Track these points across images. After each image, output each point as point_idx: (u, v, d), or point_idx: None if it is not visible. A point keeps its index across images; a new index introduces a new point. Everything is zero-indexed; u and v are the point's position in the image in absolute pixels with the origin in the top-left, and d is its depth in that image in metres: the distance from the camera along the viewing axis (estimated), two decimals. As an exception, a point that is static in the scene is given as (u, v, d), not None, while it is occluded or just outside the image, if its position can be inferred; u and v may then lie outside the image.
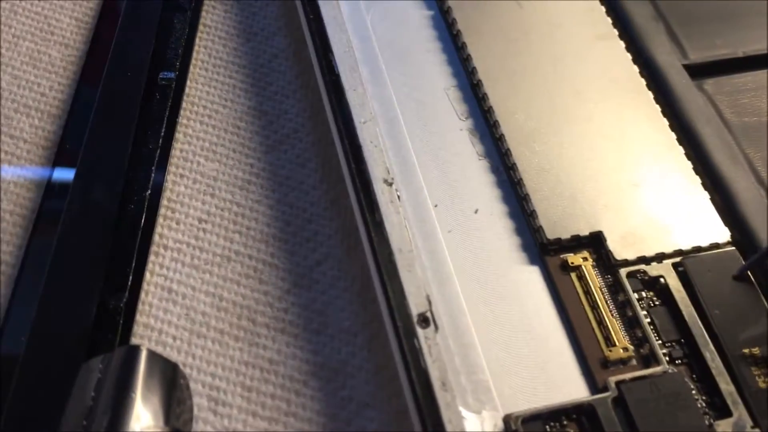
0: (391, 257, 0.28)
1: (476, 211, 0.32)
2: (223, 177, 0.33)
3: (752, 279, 0.30)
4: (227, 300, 0.30)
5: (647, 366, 0.29)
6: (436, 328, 0.27)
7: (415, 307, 0.27)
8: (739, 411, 0.27)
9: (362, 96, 0.33)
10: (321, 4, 0.35)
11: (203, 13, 0.38)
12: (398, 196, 0.30)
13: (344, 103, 0.32)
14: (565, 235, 0.31)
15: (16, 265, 0.30)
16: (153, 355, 0.25)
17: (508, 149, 0.33)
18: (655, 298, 0.30)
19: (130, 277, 0.29)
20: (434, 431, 0.25)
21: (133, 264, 0.29)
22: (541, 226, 0.31)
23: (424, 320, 0.27)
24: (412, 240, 0.30)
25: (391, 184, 0.30)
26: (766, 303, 0.30)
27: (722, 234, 0.31)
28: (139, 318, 0.29)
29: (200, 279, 0.30)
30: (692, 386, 0.28)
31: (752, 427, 0.27)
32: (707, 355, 0.28)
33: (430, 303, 0.28)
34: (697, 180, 0.33)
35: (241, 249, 0.31)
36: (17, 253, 0.30)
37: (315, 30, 0.35)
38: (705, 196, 0.32)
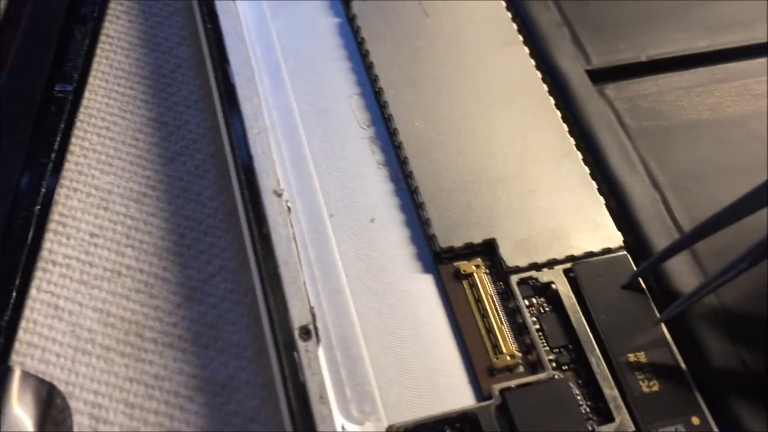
0: (275, 270, 0.28)
1: (372, 220, 0.32)
2: (118, 190, 0.33)
3: (642, 285, 0.30)
4: (115, 316, 0.30)
5: (534, 373, 0.29)
6: (318, 340, 0.27)
7: (298, 319, 0.27)
8: (622, 416, 0.28)
9: (257, 107, 0.32)
10: (220, 13, 0.35)
11: (106, 24, 0.38)
12: (289, 207, 0.30)
13: (238, 114, 0.32)
14: (459, 243, 0.31)
15: None
16: (26, 375, 0.25)
17: (406, 157, 0.33)
18: (545, 305, 0.30)
19: (14, 295, 0.28)
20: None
21: (17, 281, 0.29)
22: (434, 235, 0.31)
23: (306, 333, 0.27)
24: (304, 251, 0.30)
25: (280, 195, 0.30)
26: (655, 309, 0.30)
27: (616, 239, 0.32)
28: (23, 336, 0.29)
29: (88, 295, 0.30)
30: (577, 392, 0.28)
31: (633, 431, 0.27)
32: (593, 361, 0.29)
33: (314, 316, 0.28)
34: (594, 185, 0.33)
35: (133, 263, 0.31)
36: None
37: (213, 40, 0.34)
38: (601, 201, 0.33)
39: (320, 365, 0.26)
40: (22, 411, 0.24)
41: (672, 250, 0.30)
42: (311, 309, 0.28)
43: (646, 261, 0.30)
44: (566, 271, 0.31)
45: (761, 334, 0.29)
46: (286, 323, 0.27)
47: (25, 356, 0.28)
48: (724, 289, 0.29)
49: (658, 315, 0.30)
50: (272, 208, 0.30)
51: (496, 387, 0.28)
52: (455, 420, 0.27)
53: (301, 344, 0.27)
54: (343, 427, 0.26)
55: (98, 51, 0.37)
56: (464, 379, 0.29)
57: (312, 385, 0.26)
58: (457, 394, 0.28)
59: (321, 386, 0.26)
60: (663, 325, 0.29)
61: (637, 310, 0.30)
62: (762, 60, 0.39)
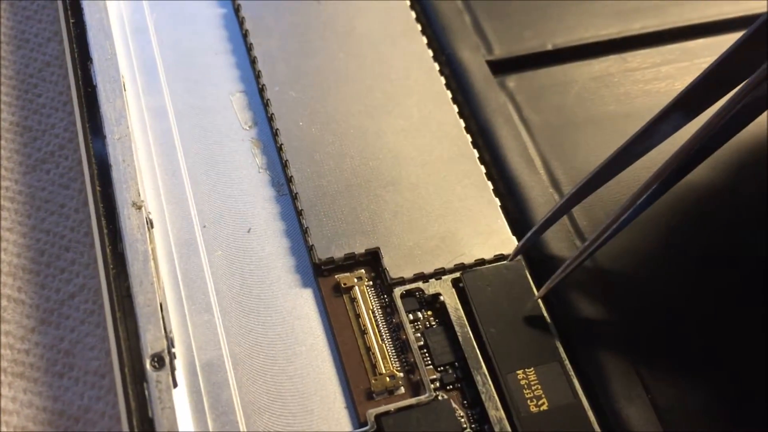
0: (128, 291, 0.26)
1: (249, 230, 0.30)
2: (-29, 203, 0.30)
3: (536, 294, 0.28)
4: (-41, 343, 0.27)
5: (416, 394, 0.27)
6: (173, 368, 0.25)
7: (150, 346, 0.25)
8: (508, 440, 0.26)
9: (120, 109, 0.30)
10: (85, 7, 0.32)
11: (-31, 19, 0.35)
12: (150, 221, 0.28)
13: (97, 119, 0.29)
14: (340, 253, 0.29)
15: None
16: None
17: (287, 160, 0.31)
18: (432, 319, 0.28)
19: None
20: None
21: None
22: (313, 245, 0.29)
23: (159, 361, 0.24)
24: (170, 267, 0.28)
25: (140, 208, 0.27)
26: (548, 318, 0.28)
27: (511, 245, 0.30)
28: None
29: (-71, 321, 0.27)
30: (462, 413, 0.26)
31: (522, 456, 0.25)
32: (478, 379, 0.27)
33: (170, 341, 0.25)
34: (490, 186, 0.31)
35: (-17, 285, 0.28)
36: None
37: (75, 36, 0.32)
38: (496, 203, 0.31)
39: (172, 397, 0.24)
40: None
41: (555, 216, 0.28)
42: (167, 334, 0.25)
43: (529, 231, 0.28)
44: (455, 282, 0.29)
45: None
46: (136, 351, 0.25)
47: None
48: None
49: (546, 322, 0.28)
50: (130, 222, 0.27)
51: (372, 412, 0.26)
52: (325, 451, 0.25)
53: (152, 374, 0.24)
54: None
55: (-43, 49, 0.34)
56: (341, 404, 0.27)
57: (162, 421, 0.24)
58: (332, 420, 0.26)
59: (172, 422, 0.24)
60: (543, 307, 0.28)
61: (528, 324, 0.28)
62: (675, 46, 0.37)
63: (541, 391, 0.26)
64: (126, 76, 0.32)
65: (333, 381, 0.27)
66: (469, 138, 0.32)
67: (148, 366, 0.24)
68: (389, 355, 0.27)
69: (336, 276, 0.29)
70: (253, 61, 0.34)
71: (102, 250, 0.27)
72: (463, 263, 0.29)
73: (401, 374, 0.27)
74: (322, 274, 0.29)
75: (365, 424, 0.26)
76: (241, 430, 0.25)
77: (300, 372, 0.27)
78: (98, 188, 0.28)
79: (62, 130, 0.32)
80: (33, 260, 0.29)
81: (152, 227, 0.28)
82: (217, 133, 0.32)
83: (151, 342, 0.25)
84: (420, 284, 0.29)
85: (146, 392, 0.24)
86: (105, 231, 0.27)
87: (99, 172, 0.28)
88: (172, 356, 0.25)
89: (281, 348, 0.27)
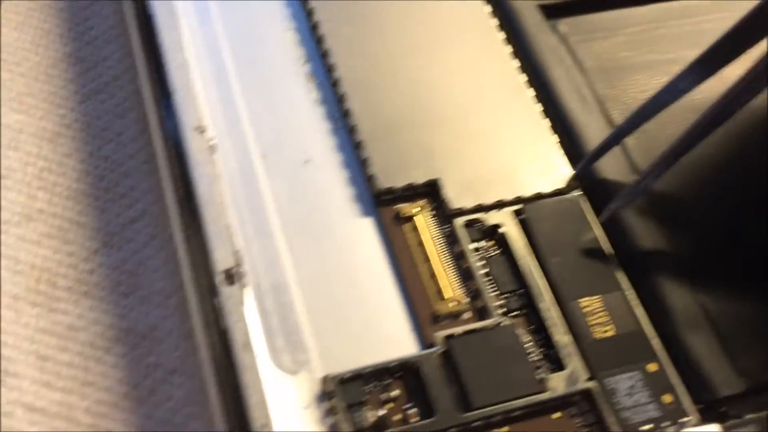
0: (197, 210, 0.26)
1: (308, 161, 0.30)
2: (30, 129, 0.30)
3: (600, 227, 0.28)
4: (24, 262, 0.27)
5: (481, 319, 0.27)
6: (244, 285, 0.25)
7: (221, 263, 0.25)
8: (574, 364, 0.26)
9: (178, 38, 0.30)
10: (141, -62, 0.32)
11: (19, -48, 0.35)
12: (213, 146, 0.28)
13: (157, 46, 0.29)
14: (400, 183, 0.29)
15: None
16: None
17: (344, 93, 0.31)
18: (493, 248, 0.29)
19: None
20: (233, 397, 0.23)
21: None
22: (373, 175, 0.29)
23: (230, 277, 0.24)
24: (232, 192, 0.28)
25: (203, 132, 0.27)
26: (609, 248, 0.28)
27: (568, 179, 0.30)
28: None
29: (-6, 241, 0.27)
30: (528, 339, 0.27)
31: (588, 380, 0.26)
32: (543, 306, 0.27)
33: (240, 259, 0.25)
34: (547, 123, 0.31)
35: (45, 207, 0.28)
36: None
37: (132, -34, 0.32)
38: (553, 140, 0.31)
39: (244, 312, 0.24)
40: None
41: (609, 143, 0.28)
42: (237, 252, 0.25)
43: (583, 159, 0.29)
44: (516, 213, 0.29)
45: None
46: (208, 267, 0.25)
47: None
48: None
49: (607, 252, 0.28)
50: (194, 145, 0.27)
51: (440, 334, 0.26)
52: (395, 369, 0.25)
53: (224, 289, 0.24)
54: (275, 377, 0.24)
55: (10, -19, 0.34)
56: (406, 327, 0.27)
57: (235, 333, 0.24)
58: (398, 342, 0.26)
59: (245, 334, 0.24)
60: (604, 236, 0.28)
61: (590, 254, 0.28)
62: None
63: (606, 318, 0.26)
64: (180, 10, 0.32)
65: (396, 305, 0.27)
66: (524, 77, 0.32)
67: (220, 281, 0.24)
68: (453, 282, 0.27)
69: (397, 206, 0.29)
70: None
71: (168, 173, 0.27)
72: (521, 196, 0.29)
73: (466, 300, 0.27)
74: (382, 203, 0.29)
75: (432, 346, 0.26)
76: (310, 348, 0.25)
77: (364, 296, 0.27)
78: (161, 113, 0.28)
79: (116, 62, 0.32)
80: (93, 185, 0.29)
81: (215, 152, 0.28)
82: (272, 67, 0.32)
83: (221, 259, 0.25)
84: (480, 215, 0.29)
85: (219, 306, 0.24)
86: (171, 153, 0.27)
87: (161, 96, 0.28)
88: (242, 273, 0.25)
89: (346, 273, 0.27)
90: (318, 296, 0.27)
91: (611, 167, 0.30)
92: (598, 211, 0.29)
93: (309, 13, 0.33)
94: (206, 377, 0.23)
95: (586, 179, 0.29)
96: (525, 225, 0.28)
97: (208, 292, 0.24)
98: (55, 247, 0.27)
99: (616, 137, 0.28)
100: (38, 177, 0.29)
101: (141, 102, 0.31)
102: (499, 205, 0.29)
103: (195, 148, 0.27)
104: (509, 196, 0.29)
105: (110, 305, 0.26)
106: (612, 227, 0.28)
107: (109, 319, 0.26)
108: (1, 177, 0.28)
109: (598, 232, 0.28)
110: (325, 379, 0.25)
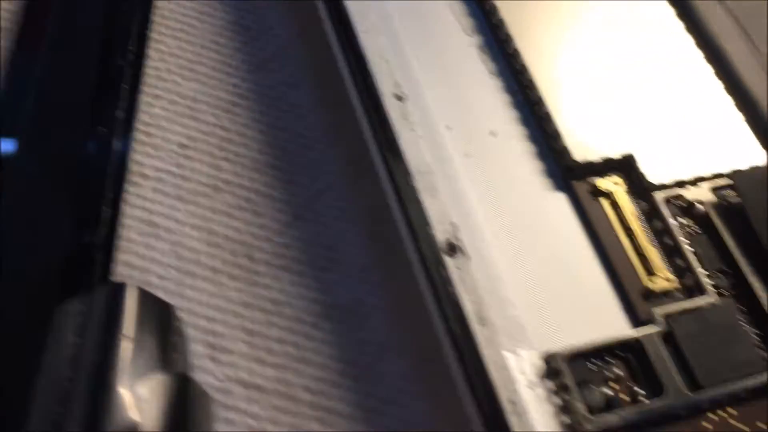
0: (409, 179, 0.25)
1: (493, 134, 0.29)
2: (204, 98, 0.29)
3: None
4: (219, 234, 0.26)
5: (690, 297, 0.26)
6: (466, 256, 0.24)
7: (441, 233, 0.24)
8: (795, 344, 0.25)
9: (362, 4, 0.29)
10: None
11: None
12: (408, 115, 0.27)
13: (343, 11, 0.28)
14: (595, 157, 0.28)
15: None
16: (143, 293, 0.21)
17: (524, 65, 0.30)
18: (693, 225, 0.28)
19: (109, 210, 0.24)
20: (476, 373, 0.22)
21: (111, 195, 0.25)
22: (566, 147, 0.28)
23: (452, 248, 0.24)
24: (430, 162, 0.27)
25: (401, 99, 0.26)
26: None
27: (760, 157, 0.29)
28: (119, 255, 0.25)
29: (186, 211, 0.26)
30: (742, 318, 0.26)
31: (809, 361, 0.25)
32: (756, 285, 0.26)
33: (455, 229, 0.24)
34: (730, 100, 0.30)
35: (231, 178, 0.27)
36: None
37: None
38: (740, 117, 0.30)
39: (474, 283, 0.23)
40: (143, 332, 0.20)
41: None
42: (452, 223, 0.24)
43: None
44: (715, 189, 0.28)
45: None
46: (428, 238, 0.24)
47: (124, 277, 0.24)
48: None
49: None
50: (395, 112, 0.26)
51: (659, 312, 0.25)
52: (617, 348, 0.24)
53: (449, 260, 0.23)
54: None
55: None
56: (615, 304, 0.26)
57: (468, 305, 0.23)
58: (609, 320, 0.25)
59: (478, 306, 0.23)
60: None
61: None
62: None
63: (829, 297, 0.25)
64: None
65: (603, 282, 0.26)
66: (701, 54, 0.31)
67: (443, 251, 0.23)
68: (661, 258, 0.26)
69: (592, 179, 0.28)
70: (469, -32, 0.33)
71: (375, 139, 0.26)
72: (720, 172, 0.28)
73: (675, 278, 0.26)
74: (575, 177, 0.28)
75: (646, 324, 0.25)
76: (525, 325, 0.24)
77: (568, 272, 0.26)
78: (359, 78, 0.27)
79: (282, 31, 0.31)
80: (276, 157, 0.28)
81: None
82: (441, 39, 0.31)
83: (441, 230, 0.24)
84: (679, 190, 0.28)
85: (446, 276, 0.23)
86: (374, 120, 0.26)
87: (356, 62, 0.27)
88: (462, 243, 0.24)
89: (545, 249, 0.27)
90: (518, 271, 0.26)
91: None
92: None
93: (477, -16, 0.32)
94: (431, 354, 0.22)
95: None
96: (727, 200, 0.27)
97: (433, 262, 0.23)
98: (247, 219, 0.26)
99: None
100: (220, 147, 0.28)
101: (312, 74, 0.30)
102: (698, 180, 0.28)
103: (396, 116, 0.26)
104: (706, 173, 0.28)
105: (311, 279, 0.25)
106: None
107: (311, 293, 0.25)
108: (183, 146, 0.27)
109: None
110: (552, 357, 0.24)
